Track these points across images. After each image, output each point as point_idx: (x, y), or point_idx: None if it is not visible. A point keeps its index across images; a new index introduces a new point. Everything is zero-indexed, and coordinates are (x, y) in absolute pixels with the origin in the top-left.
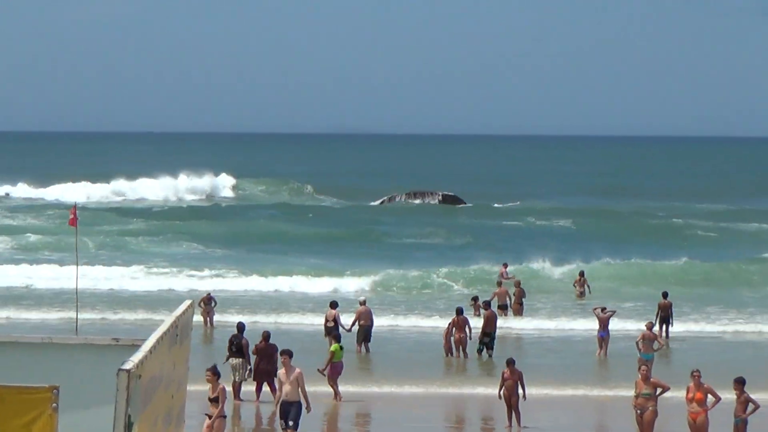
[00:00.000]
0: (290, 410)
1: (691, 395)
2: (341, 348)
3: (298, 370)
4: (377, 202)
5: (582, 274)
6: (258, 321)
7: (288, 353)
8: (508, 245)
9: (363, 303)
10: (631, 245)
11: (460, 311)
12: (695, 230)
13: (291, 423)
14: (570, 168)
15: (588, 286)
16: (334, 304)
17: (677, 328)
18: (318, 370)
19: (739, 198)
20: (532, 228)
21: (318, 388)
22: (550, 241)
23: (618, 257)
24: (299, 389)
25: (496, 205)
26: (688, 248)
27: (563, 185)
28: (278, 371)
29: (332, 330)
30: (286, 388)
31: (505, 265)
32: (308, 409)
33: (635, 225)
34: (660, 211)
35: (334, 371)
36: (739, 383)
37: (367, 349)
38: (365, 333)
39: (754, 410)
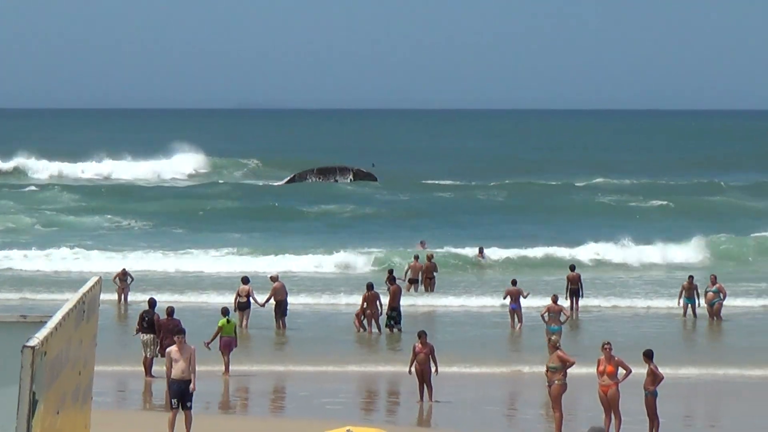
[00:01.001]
0: (185, 390)
1: (602, 368)
2: (228, 322)
3: (192, 347)
4: (284, 181)
5: (481, 250)
6: (176, 300)
7: (182, 332)
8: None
9: (276, 279)
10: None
11: (370, 286)
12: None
13: (189, 404)
14: (485, 143)
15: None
16: (245, 280)
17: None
18: (204, 343)
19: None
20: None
21: (237, 367)
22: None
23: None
24: (191, 368)
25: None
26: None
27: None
28: (169, 348)
29: (245, 305)
30: (181, 365)
31: (422, 243)
32: (193, 388)
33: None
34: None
35: (224, 346)
36: (647, 356)
37: (284, 325)
38: (282, 308)
39: (626, 376)
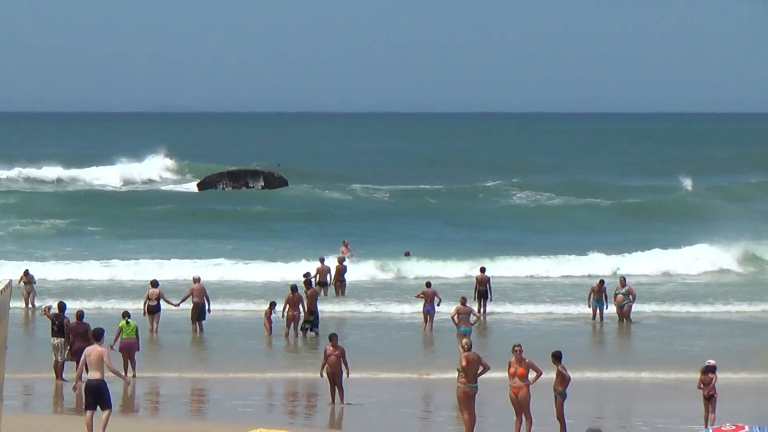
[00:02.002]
0: (99, 392)
1: (513, 370)
2: (128, 323)
3: (105, 349)
4: (194, 185)
5: (407, 254)
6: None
7: (100, 334)
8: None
9: (197, 280)
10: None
11: (294, 289)
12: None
13: (105, 405)
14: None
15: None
16: (155, 283)
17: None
18: (109, 346)
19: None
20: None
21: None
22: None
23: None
24: (104, 368)
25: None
26: None
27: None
28: (87, 349)
29: (154, 309)
30: (95, 367)
31: (346, 243)
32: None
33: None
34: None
35: (124, 347)
36: (555, 357)
37: (201, 328)
38: (199, 311)
39: (536, 378)
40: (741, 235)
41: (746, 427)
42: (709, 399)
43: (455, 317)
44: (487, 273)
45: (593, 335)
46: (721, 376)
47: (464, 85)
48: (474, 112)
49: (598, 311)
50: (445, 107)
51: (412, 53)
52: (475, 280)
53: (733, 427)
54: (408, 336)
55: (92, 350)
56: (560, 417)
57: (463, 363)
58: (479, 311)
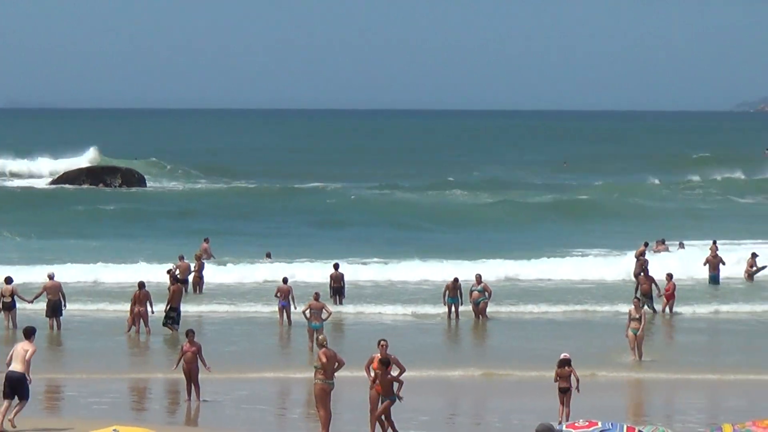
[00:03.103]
0: (15, 383)
1: (376, 365)
2: None
3: (31, 347)
4: (48, 182)
5: (269, 255)
6: None
7: (26, 333)
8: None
9: (51, 277)
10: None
11: (141, 285)
12: None
13: (22, 396)
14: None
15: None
16: (9, 280)
17: None
18: None
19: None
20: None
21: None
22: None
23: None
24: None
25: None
26: None
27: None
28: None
29: (9, 306)
30: (18, 359)
31: (206, 240)
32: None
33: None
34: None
35: None
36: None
37: (59, 325)
38: (53, 308)
39: (400, 374)
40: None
41: (599, 423)
42: (565, 393)
43: (307, 312)
44: (341, 270)
45: (447, 333)
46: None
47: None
48: (368, 110)
49: (453, 308)
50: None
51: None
52: (329, 277)
53: (587, 423)
54: (266, 334)
55: (20, 345)
56: (388, 419)
57: (323, 360)
58: (335, 305)
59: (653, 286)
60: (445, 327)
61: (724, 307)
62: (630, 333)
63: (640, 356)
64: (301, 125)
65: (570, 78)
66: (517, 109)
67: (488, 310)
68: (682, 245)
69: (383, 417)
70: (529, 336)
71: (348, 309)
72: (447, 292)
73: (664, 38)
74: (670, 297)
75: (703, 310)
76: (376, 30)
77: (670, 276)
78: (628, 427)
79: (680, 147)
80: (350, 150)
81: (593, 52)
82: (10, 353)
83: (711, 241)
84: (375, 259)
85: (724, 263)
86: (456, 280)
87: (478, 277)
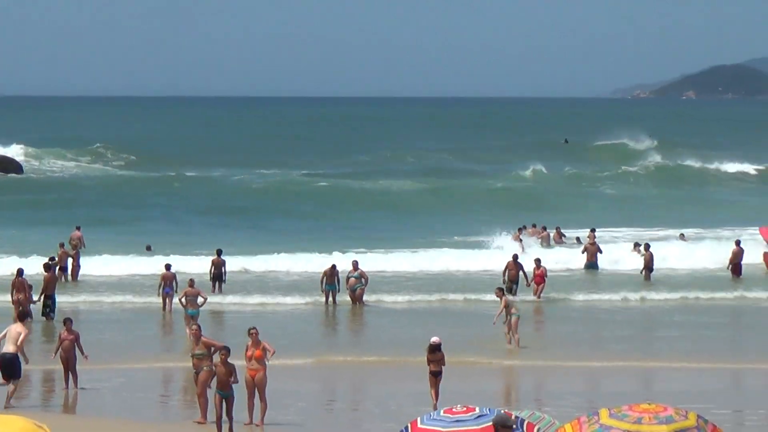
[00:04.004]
0: (8, 364)
1: (249, 353)
2: None
3: (24, 330)
4: None
5: (149, 248)
6: None
7: (20, 316)
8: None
9: None
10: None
11: (19, 272)
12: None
13: (15, 376)
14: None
15: None
16: None
17: None
18: None
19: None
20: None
21: None
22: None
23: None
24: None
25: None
26: None
27: None
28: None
29: None
30: (11, 341)
31: (78, 228)
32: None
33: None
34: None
35: None
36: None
37: None
38: None
39: (271, 354)
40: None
41: (477, 409)
42: (436, 376)
43: (183, 299)
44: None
45: (324, 320)
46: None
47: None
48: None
49: (331, 295)
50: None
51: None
52: (211, 262)
53: (464, 409)
54: (146, 323)
55: (14, 327)
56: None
57: (203, 348)
58: (213, 291)
59: (521, 272)
60: (323, 313)
61: (605, 296)
62: (513, 318)
63: (518, 342)
64: (214, 112)
65: (455, 65)
66: (400, 96)
67: (365, 297)
68: (682, 236)
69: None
70: (404, 323)
71: (229, 299)
72: (325, 279)
73: (544, 27)
74: (540, 282)
75: (580, 297)
76: (268, 21)
77: (538, 261)
78: (505, 411)
79: (582, 134)
80: (255, 137)
81: (482, 41)
82: (3, 334)
83: (589, 230)
84: (261, 250)
85: (601, 251)
86: (333, 266)
87: (355, 264)
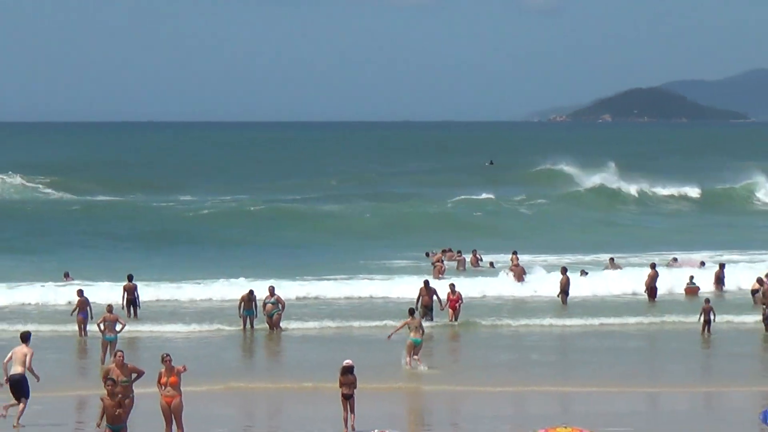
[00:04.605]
0: (19, 385)
1: (164, 380)
2: None
3: (30, 350)
4: None
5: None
6: None
7: (23, 337)
8: None
9: None
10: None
11: None
12: None
13: (23, 396)
14: None
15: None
16: None
17: None
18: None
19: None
20: None
21: None
22: None
23: None
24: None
25: None
26: None
27: None
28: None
29: None
30: (18, 363)
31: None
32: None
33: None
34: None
35: None
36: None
37: None
38: None
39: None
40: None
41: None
42: (348, 399)
43: (101, 324)
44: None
45: (242, 346)
46: (366, 386)
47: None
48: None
49: (249, 321)
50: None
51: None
52: (122, 288)
53: None
54: (61, 349)
55: (19, 350)
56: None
57: (127, 374)
58: (128, 316)
59: (435, 297)
60: (240, 339)
61: (522, 321)
62: (409, 341)
63: (418, 362)
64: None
65: (376, 89)
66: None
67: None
68: (702, 264)
69: None
70: (321, 348)
71: (146, 327)
72: (242, 305)
73: (460, 51)
74: (454, 308)
75: (500, 322)
76: (179, 46)
77: (452, 287)
78: None
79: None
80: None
81: (399, 65)
82: (8, 357)
83: (512, 252)
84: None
85: (525, 273)
86: (251, 292)
87: (271, 289)
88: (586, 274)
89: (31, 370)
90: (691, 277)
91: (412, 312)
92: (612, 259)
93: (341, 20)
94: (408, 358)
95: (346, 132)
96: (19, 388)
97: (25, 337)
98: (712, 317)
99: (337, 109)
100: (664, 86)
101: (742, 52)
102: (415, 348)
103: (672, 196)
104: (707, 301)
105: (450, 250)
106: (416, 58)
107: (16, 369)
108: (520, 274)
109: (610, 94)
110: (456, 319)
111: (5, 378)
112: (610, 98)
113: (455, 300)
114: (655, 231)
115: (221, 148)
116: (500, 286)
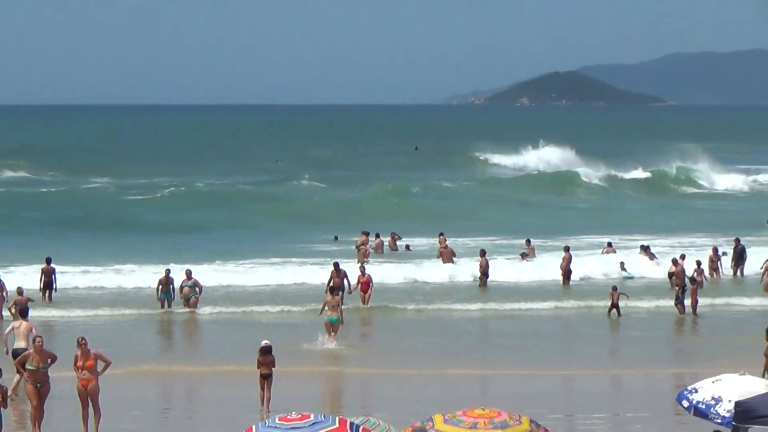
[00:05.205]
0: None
1: (81, 363)
2: None
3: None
4: None
5: None
6: None
7: (22, 312)
8: None
9: None
10: None
11: None
12: None
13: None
14: None
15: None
16: None
17: None
18: None
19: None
20: None
21: None
22: None
23: None
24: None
25: None
26: None
27: None
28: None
29: None
30: (22, 337)
31: None
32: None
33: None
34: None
35: None
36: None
37: None
38: None
39: (105, 368)
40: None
41: (311, 416)
42: (266, 378)
43: (12, 308)
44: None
45: (159, 329)
46: (282, 369)
47: None
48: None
49: (166, 303)
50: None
51: None
52: (41, 271)
53: (299, 416)
54: None
55: (23, 325)
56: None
57: (44, 360)
58: (44, 299)
59: (345, 280)
60: (158, 322)
61: (443, 305)
62: (326, 320)
63: (332, 340)
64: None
65: (296, 73)
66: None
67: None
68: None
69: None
70: (239, 332)
71: (61, 311)
72: (160, 287)
73: (379, 35)
74: (366, 290)
75: (413, 306)
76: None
77: (362, 269)
78: (340, 419)
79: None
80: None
81: (316, 50)
82: (8, 332)
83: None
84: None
85: (455, 254)
86: (168, 272)
87: (188, 273)
88: (526, 256)
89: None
90: (622, 263)
91: (332, 290)
92: (609, 246)
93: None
94: (326, 337)
95: (263, 116)
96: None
97: (25, 312)
98: (619, 303)
99: (248, 93)
100: (581, 70)
101: (658, 36)
102: (332, 326)
103: (609, 177)
104: (614, 288)
105: (368, 234)
106: (336, 42)
107: (20, 344)
108: (449, 255)
109: (527, 78)
110: (367, 303)
111: (6, 350)
112: (528, 82)
113: (365, 282)
114: (582, 212)
115: (151, 131)
116: (429, 270)
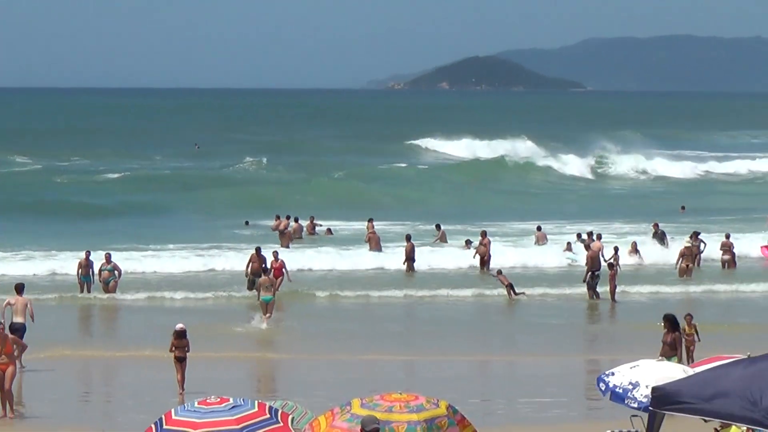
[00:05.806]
0: (21, 333)
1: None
2: None
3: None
4: None
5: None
6: None
7: (18, 289)
8: None
9: None
10: None
11: None
12: None
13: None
14: None
15: None
16: None
17: None
18: None
19: None
20: None
21: None
22: None
23: None
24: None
25: None
26: None
27: None
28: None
29: None
30: (19, 313)
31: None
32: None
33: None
34: None
35: None
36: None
37: None
38: None
39: (22, 351)
40: None
41: (231, 399)
42: (181, 362)
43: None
44: None
45: (78, 312)
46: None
47: None
48: None
49: (86, 286)
50: None
51: None
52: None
53: (218, 400)
54: None
55: (19, 301)
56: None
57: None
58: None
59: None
60: (78, 306)
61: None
62: (261, 300)
63: (264, 320)
64: None
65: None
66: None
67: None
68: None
69: None
70: (159, 317)
71: None
72: (80, 270)
73: (296, 18)
74: (278, 275)
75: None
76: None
77: (275, 254)
78: (259, 403)
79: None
80: None
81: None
82: (5, 304)
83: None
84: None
85: (379, 239)
86: (88, 254)
87: (108, 256)
88: (471, 243)
89: (32, 317)
90: (569, 243)
91: (265, 271)
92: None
93: None
94: (262, 316)
95: (189, 99)
96: (21, 337)
97: (20, 288)
98: (510, 288)
99: (172, 75)
100: (500, 54)
101: (576, 21)
102: (266, 306)
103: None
104: (499, 272)
105: (282, 218)
106: (252, 26)
107: (18, 318)
108: (376, 242)
109: (447, 63)
110: (277, 288)
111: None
112: (448, 66)
113: (278, 268)
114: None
115: (84, 114)
116: (356, 257)
